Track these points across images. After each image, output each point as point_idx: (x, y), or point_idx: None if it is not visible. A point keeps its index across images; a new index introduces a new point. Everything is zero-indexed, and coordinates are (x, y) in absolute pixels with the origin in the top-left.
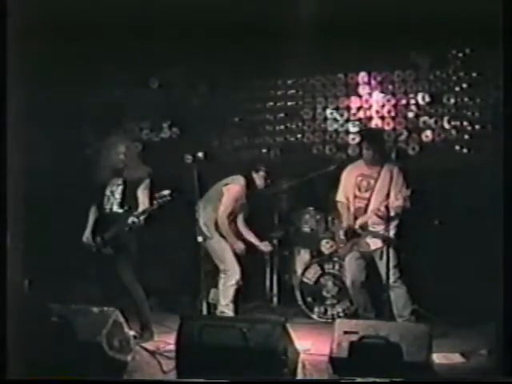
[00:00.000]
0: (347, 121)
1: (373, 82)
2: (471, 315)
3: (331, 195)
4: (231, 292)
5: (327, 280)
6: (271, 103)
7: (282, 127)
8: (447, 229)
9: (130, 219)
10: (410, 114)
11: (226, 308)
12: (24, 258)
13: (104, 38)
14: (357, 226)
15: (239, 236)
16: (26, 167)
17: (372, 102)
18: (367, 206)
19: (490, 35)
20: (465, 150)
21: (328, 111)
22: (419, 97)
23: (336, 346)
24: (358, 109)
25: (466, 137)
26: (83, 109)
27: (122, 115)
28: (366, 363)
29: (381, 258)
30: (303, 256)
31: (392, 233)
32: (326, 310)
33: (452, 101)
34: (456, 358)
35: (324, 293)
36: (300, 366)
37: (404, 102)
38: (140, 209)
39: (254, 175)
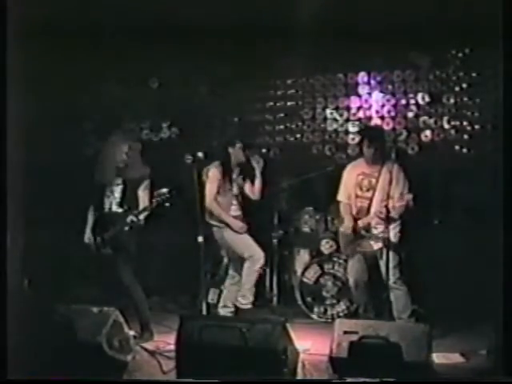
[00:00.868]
0: (347, 121)
1: (372, 81)
2: (471, 315)
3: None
4: (255, 277)
5: (327, 280)
6: (271, 103)
7: (282, 127)
8: (447, 229)
9: (130, 218)
10: (410, 114)
11: (248, 292)
12: (24, 258)
13: (104, 37)
14: (360, 227)
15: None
16: (26, 167)
17: (372, 102)
18: (369, 205)
19: (490, 35)
20: (464, 150)
21: (328, 111)
22: (419, 97)
23: (336, 346)
24: (358, 109)
25: (466, 137)
26: (83, 108)
27: (122, 115)
28: (366, 363)
29: (383, 257)
30: (303, 256)
31: (394, 233)
32: (325, 310)
33: (452, 101)
34: (456, 358)
35: (324, 293)
36: (300, 365)
37: (404, 101)
38: (140, 208)
39: (230, 150)
